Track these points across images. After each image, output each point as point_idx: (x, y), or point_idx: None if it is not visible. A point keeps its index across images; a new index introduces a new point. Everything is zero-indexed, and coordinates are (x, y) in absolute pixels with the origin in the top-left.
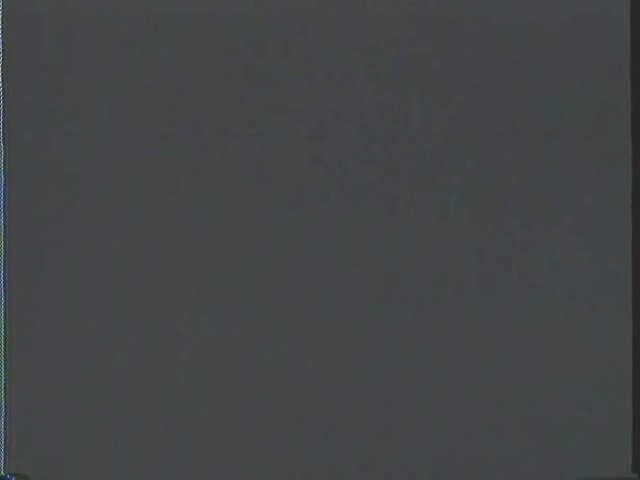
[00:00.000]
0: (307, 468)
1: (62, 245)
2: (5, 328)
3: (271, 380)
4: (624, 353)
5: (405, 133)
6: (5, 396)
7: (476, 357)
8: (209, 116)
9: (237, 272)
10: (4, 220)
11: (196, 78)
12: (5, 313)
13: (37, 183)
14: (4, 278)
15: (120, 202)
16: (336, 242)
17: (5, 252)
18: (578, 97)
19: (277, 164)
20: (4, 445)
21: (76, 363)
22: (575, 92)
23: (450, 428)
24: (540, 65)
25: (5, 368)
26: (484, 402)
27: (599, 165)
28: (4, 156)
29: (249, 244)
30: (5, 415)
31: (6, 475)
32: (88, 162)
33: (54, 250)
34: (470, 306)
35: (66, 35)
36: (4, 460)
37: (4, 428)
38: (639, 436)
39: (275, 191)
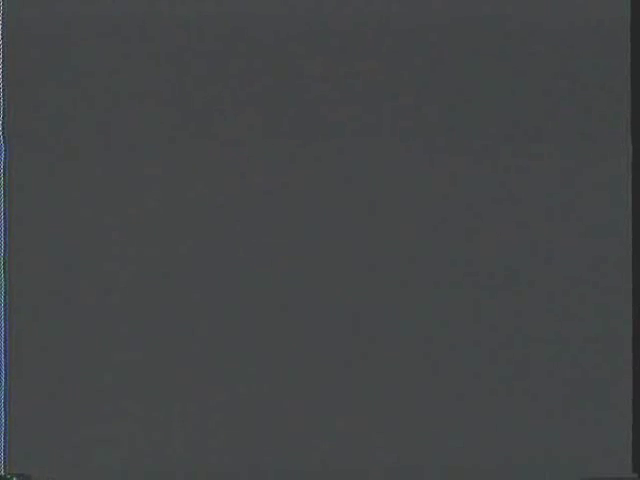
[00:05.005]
0: (306, 467)
1: (62, 245)
2: (5, 328)
3: (271, 378)
4: (624, 353)
5: (406, 140)
6: (5, 396)
7: (476, 357)
8: (208, 116)
9: (235, 270)
10: (4, 220)
11: (195, 79)
12: (5, 313)
13: (37, 183)
14: (4, 279)
15: (120, 202)
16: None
17: (5, 253)
18: (578, 97)
19: (276, 164)
20: (4, 445)
21: (76, 363)
22: (575, 92)
23: (450, 428)
24: (542, 64)
25: (5, 368)
26: (484, 402)
27: (599, 165)
28: (4, 153)
29: (247, 243)
30: (5, 415)
31: (6, 475)
32: (87, 162)
33: (54, 250)
34: (470, 305)
35: (66, 36)
36: (4, 460)
37: (4, 428)
38: (639, 436)
39: (273, 190)
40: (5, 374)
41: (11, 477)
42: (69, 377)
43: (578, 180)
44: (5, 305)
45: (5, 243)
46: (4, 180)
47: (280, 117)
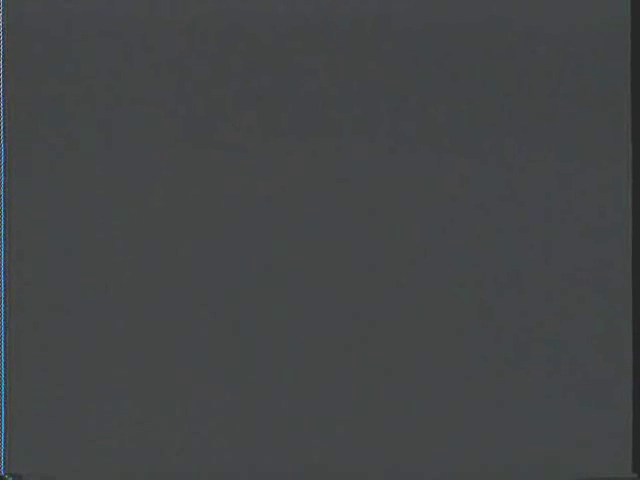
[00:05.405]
0: (305, 466)
1: (62, 245)
2: (5, 328)
3: (271, 378)
4: (624, 353)
5: (407, 143)
6: (5, 396)
7: (476, 357)
8: (207, 114)
9: (235, 270)
10: (4, 220)
11: (195, 79)
12: (5, 313)
13: (37, 183)
14: (4, 278)
15: (119, 202)
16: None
17: (5, 252)
18: (578, 99)
19: (276, 164)
20: (4, 445)
21: (76, 363)
22: (575, 93)
23: (450, 428)
24: (543, 65)
25: (5, 368)
26: (484, 402)
27: (599, 167)
28: (4, 156)
29: (247, 242)
30: (5, 415)
31: (4, 476)
32: (87, 162)
33: (54, 250)
34: (470, 306)
35: (66, 36)
36: (4, 460)
37: (4, 428)
38: (639, 436)
39: (273, 190)
40: (4, 374)
41: (7, 477)
42: (69, 377)
43: (579, 181)
44: (4, 305)
45: (5, 243)
46: (4, 180)
47: (281, 118)
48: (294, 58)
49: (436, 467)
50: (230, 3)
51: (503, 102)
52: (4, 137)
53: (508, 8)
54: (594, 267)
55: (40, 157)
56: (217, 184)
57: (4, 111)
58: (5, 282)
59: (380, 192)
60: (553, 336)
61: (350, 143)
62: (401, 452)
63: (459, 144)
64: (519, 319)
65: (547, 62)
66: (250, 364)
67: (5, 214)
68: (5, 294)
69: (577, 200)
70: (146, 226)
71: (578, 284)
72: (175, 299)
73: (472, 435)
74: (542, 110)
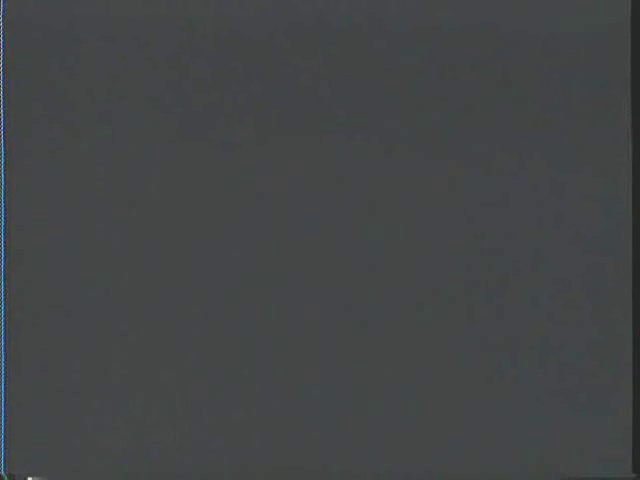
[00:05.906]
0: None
1: (61, 245)
2: (5, 328)
3: (271, 378)
4: (624, 353)
5: (404, 150)
6: (5, 396)
7: (475, 358)
8: (209, 113)
9: (235, 270)
10: (4, 220)
11: (195, 79)
12: (5, 313)
13: (37, 183)
14: (3, 278)
15: (119, 201)
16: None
17: (5, 252)
18: (578, 98)
19: (275, 165)
20: (3, 445)
21: (76, 363)
22: (575, 93)
23: (448, 427)
24: (542, 67)
25: (4, 368)
26: (483, 402)
27: (598, 168)
28: (4, 155)
29: (248, 242)
30: (5, 415)
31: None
32: (87, 160)
33: (54, 249)
34: (470, 308)
35: (66, 36)
36: (3, 460)
37: (4, 428)
38: (639, 436)
39: (273, 191)
40: (3, 374)
41: (5, 477)
42: (68, 377)
43: (578, 185)
44: (4, 305)
45: (5, 243)
46: (3, 179)
47: (280, 117)
48: (293, 57)
49: (436, 468)
50: (230, 2)
51: (500, 104)
52: (4, 136)
53: (506, 10)
54: (594, 270)
55: (40, 155)
56: (217, 183)
57: (4, 110)
58: (5, 282)
59: (377, 194)
60: (554, 336)
61: (349, 143)
62: (400, 452)
63: (458, 146)
64: (520, 320)
65: (546, 63)
66: (250, 364)
67: (5, 214)
68: (5, 294)
69: (577, 203)
70: (146, 225)
71: (578, 285)
72: (175, 298)
73: (472, 436)
74: (541, 112)
